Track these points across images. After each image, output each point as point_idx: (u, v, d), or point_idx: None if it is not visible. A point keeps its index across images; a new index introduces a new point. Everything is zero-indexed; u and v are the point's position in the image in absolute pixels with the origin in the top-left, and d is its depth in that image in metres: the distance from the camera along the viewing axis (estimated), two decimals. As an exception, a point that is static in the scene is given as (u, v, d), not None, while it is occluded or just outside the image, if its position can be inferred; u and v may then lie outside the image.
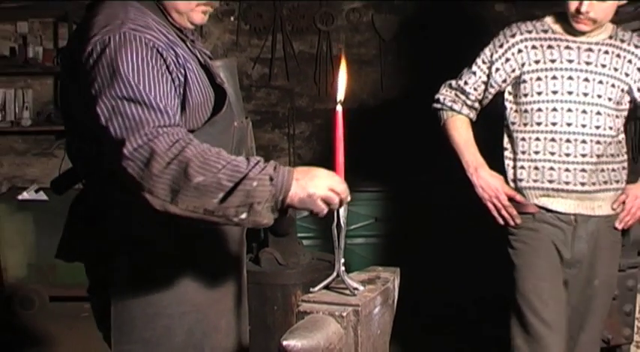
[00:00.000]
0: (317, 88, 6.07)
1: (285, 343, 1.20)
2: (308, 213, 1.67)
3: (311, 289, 1.40)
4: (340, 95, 1.45)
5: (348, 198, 1.67)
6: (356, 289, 1.42)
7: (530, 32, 2.92)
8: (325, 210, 1.66)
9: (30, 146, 6.03)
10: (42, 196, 5.21)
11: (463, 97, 3.14)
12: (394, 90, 6.19)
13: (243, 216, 1.57)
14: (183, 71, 1.76)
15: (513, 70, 2.94)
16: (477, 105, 3.14)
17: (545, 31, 2.91)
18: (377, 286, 1.47)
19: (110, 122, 1.61)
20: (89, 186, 1.93)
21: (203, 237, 1.89)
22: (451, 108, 3.18)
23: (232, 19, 5.98)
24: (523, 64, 2.89)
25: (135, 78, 1.62)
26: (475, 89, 3.09)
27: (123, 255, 1.84)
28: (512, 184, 2.95)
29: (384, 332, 1.46)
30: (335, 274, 1.43)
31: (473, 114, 3.17)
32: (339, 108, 1.39)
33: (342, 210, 1.47)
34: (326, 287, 1.48)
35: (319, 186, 1.60)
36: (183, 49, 1.84)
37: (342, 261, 1.46)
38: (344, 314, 1.30)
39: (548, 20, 2.94)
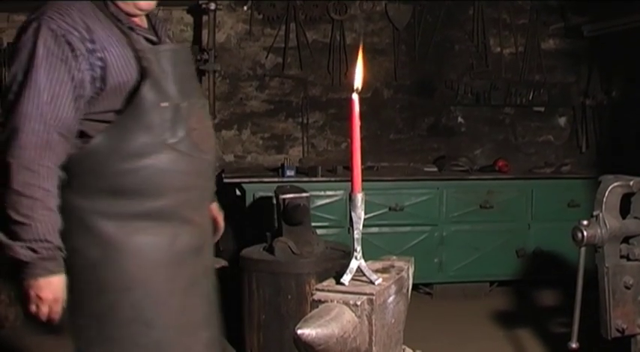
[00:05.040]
0: (330, 77, 6.06)
1: (299, 332, 1.20)
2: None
3: (341, 280, 1.40)
4: (357, 83, 1.44)
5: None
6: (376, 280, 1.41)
7: None
8: (35, 310, 1.93)
9: None
10: None
11: None
12: (408, 79, 6.18)
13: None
14: (100, 55, 1.92)
15: None
16: None
17: None
18: (391, 275, 1.46)
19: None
20: None
21: (146, 218, 2.01)
22: None
23: (245, 8, 5.97)
24: None
25: (35, 76, 1.87)
26: None
27: (63, 233, 1.95)
28: None
29: (399, 321, 1.46)
30: (356, 265, 1.42)
31: None
32: (355, 96, 1.38)
33: (358, 200, 1.46)
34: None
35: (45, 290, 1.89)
36: (111, 34, 1.97)
37: (360, 250, 1.45)
38: (358, 302, 1.30)
39: None
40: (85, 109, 1.95)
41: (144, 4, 2.06)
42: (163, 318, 2.05)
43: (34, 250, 1.86)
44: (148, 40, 2.09)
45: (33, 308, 1.93)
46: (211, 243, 2.32)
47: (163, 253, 2.05)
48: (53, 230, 1.90)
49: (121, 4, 2.03)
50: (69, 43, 1.89)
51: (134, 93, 1.95)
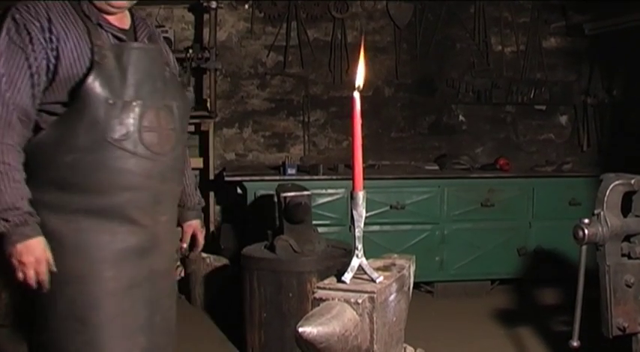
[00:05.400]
0: (332, 75, 6.06)
1: (301, 330, 1.20)
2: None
3: (342, 278, 1.40)
4: (359, 81, 1.44)
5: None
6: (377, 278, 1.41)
7: None
8: (22, 276, 1.97)
9: None
10: None
11: None
12: (409, 78, 6.18)
13: None
14: (55, 45, 1.97)
15: None
16: None
17: None
18: (392, 273, 1.47)
19: None
20: None
21: (89, 214, 2.01)
22: None
23: (247, 6, 5.97)
24: None
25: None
26: None
27: None
28: None
29: (400, 319, 1.46)
30: (358, 263, 1.42)
31: None
32: (356, 94, 1.38)
33: (359, 199, 1.46)
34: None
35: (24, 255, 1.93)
36: (73, 28, 2.01)
37: (361, 248, 1.45)
38: (360, 301, 1.30)
39: None
40: (40, 99, 2.00)
41: (116, 3, 2.10)
42: (98, 318, 2.05)
43: (5, 219, 1.92)
44: (118, 38, 2.11)
45: (20, 275, 1.97)
46: (167, 249, 2.26)
47: (102, 251, 2.05)
48: (21, 198, 1.95)
49: (95, 2, 2.08)
50: (28, 32, 1.97)
51: (81, 87, 1.97)
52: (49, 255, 1.98)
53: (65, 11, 2.04)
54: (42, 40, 1.97)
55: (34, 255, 1.96)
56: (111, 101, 1.98)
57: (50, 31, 1.98)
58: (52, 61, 1.98)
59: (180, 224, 2.60)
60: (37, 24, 1.98)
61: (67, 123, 1.99)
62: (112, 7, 2.10)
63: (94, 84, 1.97)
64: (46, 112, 2.01)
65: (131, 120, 2.02)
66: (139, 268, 2.11)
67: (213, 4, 5.50)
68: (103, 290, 2.05)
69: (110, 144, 1.99)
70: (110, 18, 2.12)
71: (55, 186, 2.01)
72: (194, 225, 2.63)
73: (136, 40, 2.17)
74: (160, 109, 2.11)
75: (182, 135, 2.24)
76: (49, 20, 1.99)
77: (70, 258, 2.02)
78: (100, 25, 2.07)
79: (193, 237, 2.64)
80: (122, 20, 2.17)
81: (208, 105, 5.62)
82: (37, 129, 2.02)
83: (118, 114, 2.00)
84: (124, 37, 2.13)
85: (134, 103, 2.03)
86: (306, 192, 4.29)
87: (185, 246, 2.64)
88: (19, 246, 1.94)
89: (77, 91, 1.97)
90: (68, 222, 2.02)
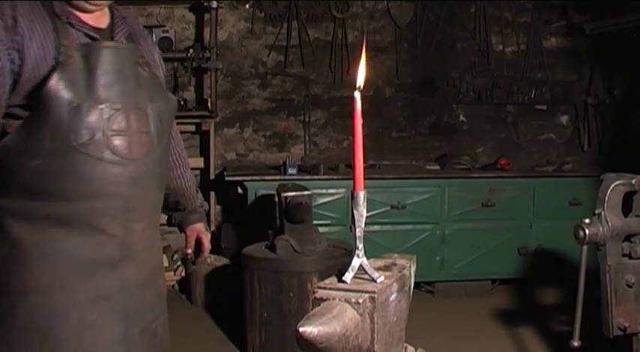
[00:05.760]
0: (332, 75, 6.06)
1: (301, 329, 1.20)
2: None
3: (343, 278, 1.40)
4: (359, 81, 1.44)
5: None
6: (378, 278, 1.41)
7: None
8: None
9: None
10: None
11: None
12: (410, 77, 6.18)
13: None
14: (20, 46, 1.86)
15: None
16: None
17: None
18: (393, 273, 1.46)
19: None
20: None
21: (53, 222, 1.91)
22: None
23: (247, 6, 5.98)
24: None
25: None
26: None
27: None
28: None
29: (401, 319, 1.46)
30: (358, 263, 1.42)
31: None
32: (357, 94, 1.38)
33: (360, 198, 1.46)
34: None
35: None
36: (40, 28, 1.90)
37: (362, 248, 1.45)
38: (360, 300, 1.29)
39: None
40: (6, 101, 1.89)
41: (94, 2, 1.99)
42: (60, 330, 1.93)
43: None
44: (91, 37, 1.99)
45: None
46: (145, 259, 2.09)
47: (67, 261, 1.93)
48: None
49: (72, 1, 1.98)
50: None
51: (43, 89, 1.86)
52: None
53: (33, 10, 1.93)
54: (6, 41, 1.86)
55: None
56: (75, 104, 1.86)
57: (15, 31, 1.87)
58: (17, 61, 1.87)
59: (182, 229, 2.55)
60: (1, 23, 1.86)
61: (31, 128, 1.88)
62: (90, 4, 1.99)
63: (57, 86, 1.85)
64: (11, 116, 1.90)
65: (97, 123, 1.90)
66: (109, 279, 1.98)
67: (214, 4, 5.50)
68: (66, 301, 1.93)
69: (74, 150, 1.88)
70: (84, 17, 2.00)
71: (21, 192, 1.91)
72: (197, 228, 2.56)
73: (112, 39, 2.05)
74: (130, 112, 1.97)
75: (161, 138, 2.08)
76: (15, 19, 1.88)
77: (33, 267, 1.92)
78: (71, 24, 1.96)
79: (199, 242, 2.56)
80: (100, 19, 2.05)
81: (209, 105, 5.62)
82: (3, 133, 1.91)
83: (83, 118, 1.88)
84: (97, 36, 2.00)
85: (101, 106, 1.91)
86: (306, 192, 4.29)
87: (190, 251, 2.56)
88: None
89: (40, 94, 1.85)
90: (33, 230, 1.91)
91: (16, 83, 1.87)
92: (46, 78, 1.85)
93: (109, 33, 2.06)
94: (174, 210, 2.56)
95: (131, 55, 2.05)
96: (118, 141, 1.94)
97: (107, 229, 1.96)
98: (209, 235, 2.60)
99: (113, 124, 1.92)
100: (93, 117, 1.89)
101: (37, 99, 1.86)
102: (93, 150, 1.90)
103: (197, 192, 2.60)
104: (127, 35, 2.11)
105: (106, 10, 2.07)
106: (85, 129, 1.88)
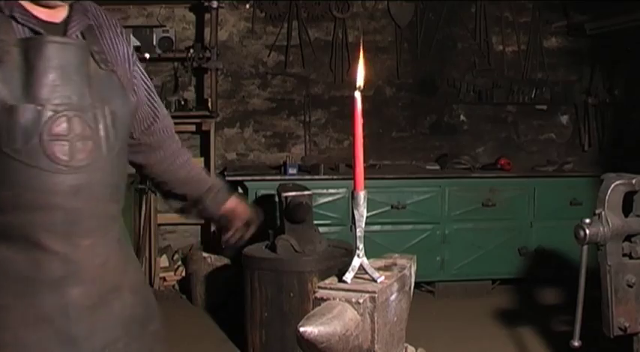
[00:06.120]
0: (333, 75, 6.06)
1: (302, 329, 1.20)
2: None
3: (343, 278, 1.39)
4: (359, 81, 1.44)
5: None
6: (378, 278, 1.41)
7: None
8: None
9: None
10: None
11: None
12: (410, 77, 6.18)
13: None
14: None
15: None
16: None
17: None
18: (394, 273, 1.46)
19: None
20: None
21: None
22: None
23: (248, 6, 5.98)
24: None
25: None
26: None
27: None
28: None
29: (401, 319, 1.46)
30: (359, 263, 1.42)
31: None
32: (357, 94, 1.38)
33: (360, 198, 1.46)
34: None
35: None
36: None
37: (362, 248, 1.45)
38: (361, 300, 1.29)
39: None
40: None
41: None
42: None
43: None
44: (36, 32, 1.78)
45: None
46: (96, 279, 1.84)
47: (1, 278, 1.74)
48: None
49: None
50: None
51: None
52: None
53: None
54: None
55: None
56: (8, 105, 1.67)
57: None
58: None
59: (217, 217, 2.27)
60: None
61: None
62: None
63: None
64: None
65: (33, 126, 1.69)
66: (49, 300, 1.76)
67: (215, 4, 5.49)
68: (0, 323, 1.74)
69: (6, 156, 1.68)
70: (34, 10, 1.80)
71: None
72: (230, 204, 2.26)
73: (65, 34, 1.82)
74: (74, 114, 1.75)
75: (114, 143, 1.84)
76: None
77: None
78: (14, 18, 1.75)
79: (232, 213, 2.25)
80: (55, 14, 1.84)
81: (209, 104, 5.62)
82: None
83: (18, 120, 1.68)
84: (41, 31, 1.77)
85: (39, 107, 1.69)
86: (307, 192, 4.29)
87: (230, 234, 2.29)
88: None
89: None
90: None
91: None
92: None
93: (63, 27, 1.84)
94: (201, 208, 2.26)
95: (80, 52, 1.82)
96: (57, 147, 1.72)
97: (47, 245, 1.75)
98: (243, 202, 2.28)
99: (52, 128, 1.71)
100: (28, 120, 1.69)
101: None
102: (27, 157, 1.70)
103: (210, 175, 2.34)
104: (85, 29, 1.89)
105: (66, 5, 1.87)
106: (20, 132, 1.68)
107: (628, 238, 2.58)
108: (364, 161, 1.42)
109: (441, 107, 6.24)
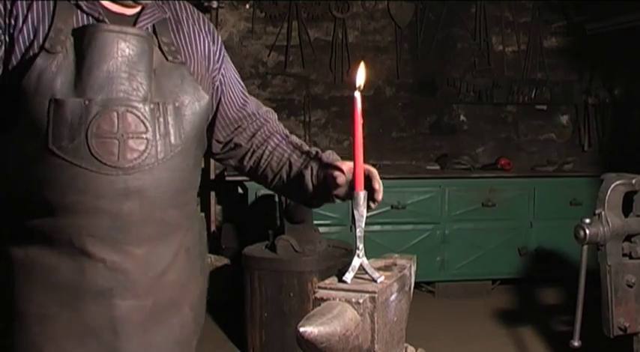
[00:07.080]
0: (333, 75, 6.06)
1: (301, 329, 1.20)
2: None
3: (343, 278, 1.39)
4: (359, 81, 1.44)
5: None
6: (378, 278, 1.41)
7: None
8: None
9: None
10: None
11: None
12: (410, 77, 6.18)
13: None
14: (12, 29, 1.61)
15: None
16: None
17: None
18: (394, 273, 1.46)
19: None
20: None
21: (30, 240, 1.62)
22: None
23: (248, 6, 5.98)
24: None
25: None
26: None
27: None
28: None
29: (401, 319, 1.46)
30: (359, 263, 1.42)
31: None
32: (357, 94, 1.38)
33: (360, 198, 1.46)
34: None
35: None
36: (39, 11, 1.62)
37: (362, 248, 1.45)
38: (361, 300, 1.29)
39: None
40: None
41: None
42: None
43: None
44: (98, 21, 1.66)
45: None
46: (148, 295, 1.68)
47: (38, 287, 1.62)
48: None
49: None
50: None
51: (22, 80, 1.56)
52: None
53: None
54: (2, 25, 1.59)
55: None
56: (56, 99, 1.55)
57: (10, 13, 1.60)
58: (7, 48, 1.60)
59: (334, 185, 1.85)
60: (1, 8, 1.60)
61: (11, 126, 1.60)
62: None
63: (33, 77, 1.55)
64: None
65: (79, 123, 1.56)
66: (95, 312, 1.63)
67: (214, 4, 5.50)
68: (43, 333, 1.62)
69: (51, 154, 1.56)
70: (105, 3, 1.69)
71: (4, 202, 1.64)
72: (344, 167, 1.82)
73: (134, 26, 1.68)
74: (127, 109, 1.60)
75: (177, 142, 1.67)
76: (14, 3, 1.61)
77: (7, 291, 1.64)
78: (80, 7, 1.64)
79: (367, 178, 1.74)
80: (127, 8, 1.73)
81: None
82: None
83: (63, 116, 1.55)
84: (105, 21, 1.65)
85: (86, 102, 1.56)
86: (307, 192, 4.29)
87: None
88: None
89: (18, 84, 1.56)
90: (18, 247, 1.63)
91: (3, 73, 1.61)
92: (27, 66, 1.57)
93: (133, 20, 1.72)
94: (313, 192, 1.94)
95: (141, 42, 1.66)
96: (104, 145, 1.58)
97: (92, 251, 1.61)
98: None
99: (100, 124, 1.58)
100: (75, 115, 1.56)
101: (15, 90, 1.57)
102: (73, 155, 1.57)
103: (307, 146, 2.14)
104: (158, 21, 1.75)
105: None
106: (66, 129, 1.56)
107: (628, 238, 2.58)
108: (364, 161, 1.42)
109: (441, 107, 6.24)
